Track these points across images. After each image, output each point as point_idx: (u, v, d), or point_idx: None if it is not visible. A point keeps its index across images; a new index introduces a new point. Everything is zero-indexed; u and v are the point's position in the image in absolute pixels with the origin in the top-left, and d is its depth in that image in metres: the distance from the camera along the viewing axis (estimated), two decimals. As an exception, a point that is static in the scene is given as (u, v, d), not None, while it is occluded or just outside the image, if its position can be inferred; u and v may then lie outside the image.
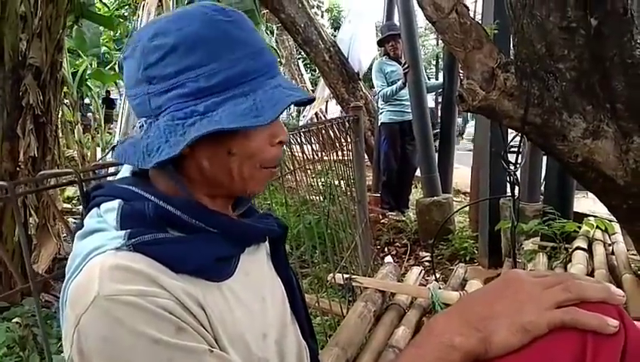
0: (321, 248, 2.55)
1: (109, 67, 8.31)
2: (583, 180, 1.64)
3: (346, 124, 2.39)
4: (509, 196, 2.22)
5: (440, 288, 1.63)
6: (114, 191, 0.65)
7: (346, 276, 1.68)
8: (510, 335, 0.58)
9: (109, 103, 12.83)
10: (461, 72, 4.28)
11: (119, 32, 7.95)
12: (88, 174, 0.94)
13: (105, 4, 6.51)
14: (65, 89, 5.42)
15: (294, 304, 0.79)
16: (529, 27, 1.48)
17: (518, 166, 1.56)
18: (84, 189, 0.72)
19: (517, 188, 1.59)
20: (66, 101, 6.59)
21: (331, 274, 1.77)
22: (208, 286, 0.62)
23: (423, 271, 2.24)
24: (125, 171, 0.70)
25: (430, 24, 1.58)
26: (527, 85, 1.47)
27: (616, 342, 0.55)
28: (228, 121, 0.60)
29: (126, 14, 8.71)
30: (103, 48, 8.62)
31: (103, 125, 9.26)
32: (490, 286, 0.65)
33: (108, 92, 13.02)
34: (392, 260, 2.19)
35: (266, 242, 0.78)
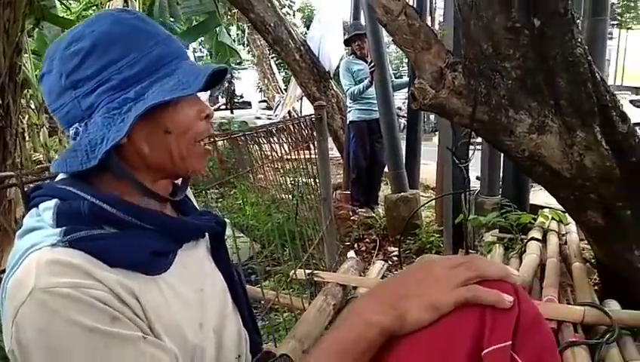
0: (289, 245, 2.59)
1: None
2: (531, 174, 1.72)
3: (310, 122, 2.43)
4: (470, 191, 2.29)
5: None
6: (51, 191, 0.68)
7: (308, 271, 1.73)
8: (422, 313, 0.63)
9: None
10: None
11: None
12: (42, 176, 0.95)
13: (67, 6, 6.39)
14: (30, 91, 5.32)
15: (236, 297, 0.83)
16: (476, 28, 1.54)
17: (468, 160, 1.63)
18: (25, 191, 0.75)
19: (466, 181, 1.66)
20: (31, 104, 6.46)
21: (293, 271, 1.81)
22: (144, 279, 0.66)
23: (388, 265, 2.29)
24: (63, 174, 0.73)
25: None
26: (474, 84, 1.53)
27: (510, 315, 0.62)
28: (161, 97, 0.66)
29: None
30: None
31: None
32: (406, 270, 0.72)
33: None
34: (354, 255, 2.24)
35: (206, 237, 0.82)
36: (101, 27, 0.68)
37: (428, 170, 5.32)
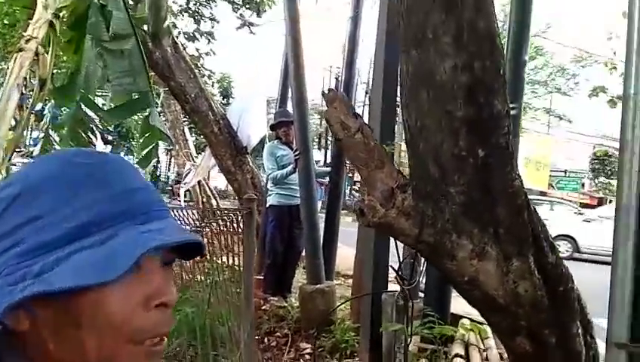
0: (198, 344, 2.36)
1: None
2: (468, 297, 1.71)
3: (239, 216, 2.30)
4: (391, 292, 2.26)
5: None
6: None
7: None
8: None
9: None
10: (347, 163, 4.47)
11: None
12: None
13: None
14: None
15: None
16: (424, 149, 1.55)
17: (412, 283, 1.59)
18: None
19: (410, 303, 1.61)
20: None
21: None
22: None
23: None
24: None
25: (331, 130, 1.60)
26: (422, 206, 1.52)
27: None
28: (62, 281, 0.47)
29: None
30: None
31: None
32: None
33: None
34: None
35: None
36: (41, 171, 0.53)
37: (339, 253, 5.24)
